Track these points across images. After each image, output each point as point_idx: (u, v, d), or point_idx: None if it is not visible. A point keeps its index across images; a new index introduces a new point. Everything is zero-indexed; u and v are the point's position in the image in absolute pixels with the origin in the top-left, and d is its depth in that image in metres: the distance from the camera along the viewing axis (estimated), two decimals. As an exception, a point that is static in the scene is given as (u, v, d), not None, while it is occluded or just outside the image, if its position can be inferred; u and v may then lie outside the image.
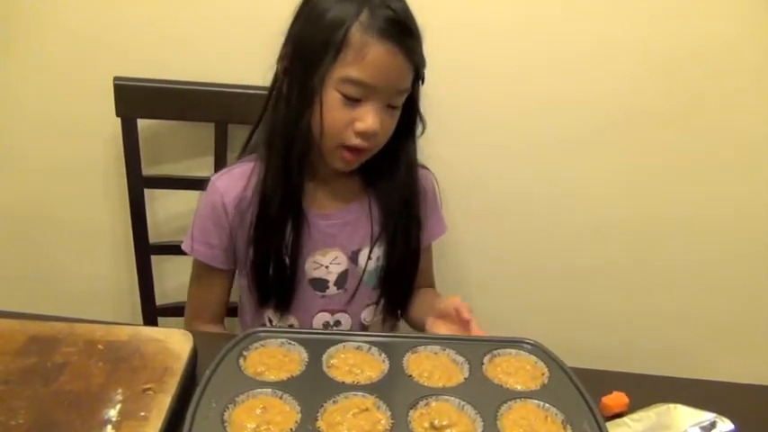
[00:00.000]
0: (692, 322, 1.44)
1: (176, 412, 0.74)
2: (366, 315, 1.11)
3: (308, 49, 0.93)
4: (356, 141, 0.95)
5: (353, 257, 1.07)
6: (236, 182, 1.04)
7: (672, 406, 0.84)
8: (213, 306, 1.10)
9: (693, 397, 0.85)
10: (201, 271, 1.09)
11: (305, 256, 1.04)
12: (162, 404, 0.73)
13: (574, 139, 1.32)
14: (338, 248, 1.06)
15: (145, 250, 1.33)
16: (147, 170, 1.31)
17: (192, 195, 1.33)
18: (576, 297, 1.40)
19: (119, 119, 1.25)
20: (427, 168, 1.14)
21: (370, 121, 0.93)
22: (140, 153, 1.28)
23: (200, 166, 1.34)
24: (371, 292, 1.09)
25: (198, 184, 1.31)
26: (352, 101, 0.93)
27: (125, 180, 1.29)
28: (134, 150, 1.27)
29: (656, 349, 1.39)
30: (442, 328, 0.96)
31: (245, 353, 0.85)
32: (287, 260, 1.02)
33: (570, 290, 1.41)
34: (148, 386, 0.76)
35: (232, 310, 1.34)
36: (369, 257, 1.06)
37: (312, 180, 1.05)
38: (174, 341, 0.83)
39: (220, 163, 1.29)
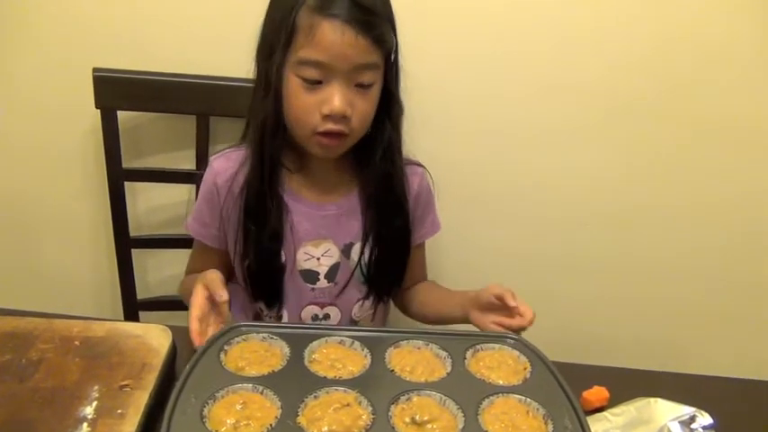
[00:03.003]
0: (675, 315, 1.44)
1: (154, 409, 0.73)
2: (357, 311, 1.10)
3: (267, 39, 0.95)
4: (328, 126, 0.93)
5: (346, 251, 1.06)
6: (231, 164, 1.03)
7: (652, 400, 0.84)
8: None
9: (673, 391, 0.85)
10: (197, 247, 1.10)
11: (295, 247, 1.03)
12: (139, 401, 0.72)
13: (562, 130, 1.31)
14: (330, 240, 1.05)
15: (125, 244, 1.31)
16: (128, 163, 1.29)
17: (173, 189, 1.33)
18: (559, 289, 1.39)
19: (98, 111, 1.23)
20: (422, 165, 1.13)
21: (335, 102, 0.91)
22: (120, 145, 1.26)
23: (182, 160, 1.33)
24: (362, 287, 1.08)
25: (179, 177, 1.30)
26: (313, 83, 0.92)
27: (105, 173, 1.27)
28: (114, 143, 1.25)
29: (639, 341, 1.39)
30: (488, 320, 0.97)
31: (226, 347, 0.83)
32: (272, 249, 1.02)
33: (554, 282, 1.40)
34: (126, 383, 0.75)
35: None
36: (362, 252, 1.05)
37: (303, 171, 1.04)
38: (153, 336, 0.82)
39: (202, 156, 1.27)
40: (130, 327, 0.84)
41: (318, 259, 1.05)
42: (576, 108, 1.29)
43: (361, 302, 1.10)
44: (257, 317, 1.09)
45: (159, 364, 0.78)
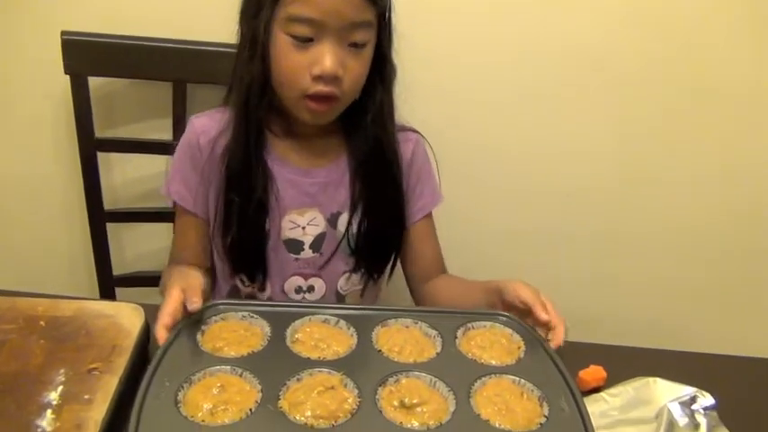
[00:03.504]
0: (674, 292, 1.41)
1: (125, 394, 0.68)
2: (343, 283, 1.06)
3: None
4: (318, 88, 0.88)
5: (332, 220, 1.02)
6: (214, 124, 0.98)
7: (651, 380, 0.81)
8: (188, 254, 1.03)
9: (673, 370, 0.82)
10: (178, 214, 1.04)
11: (280, 215, 0.99)
12: (108, 385, 0.67)
13: (555, 97, 1.27)
14: (316, 208, 1.01)
15: (99, 218, 1.25)
16: (101, 133, 1.22)
17: (149, 160, 1.27)
18: (553, 266, 1.36)
19: (68, 77, 1.16)
20: (417, 132, 1.07)
21: (327, 62, 0.86)
22: (92, 114, 1.19)
23: (158, 129, 1.26)
24: (348, 259, 1.04)
25: (156, 147, 1.24)
26: (303, 41, 0.86)
27: (76, 143, 1.20)
28: (85, 111, 1.18)
29: (636, 320, 1.37)
30: None
31: (203, 327, 0.79)
32: (256, 220, 0.97)
33: (546, 258, 1.37)
34: (94, 366, 0.70)
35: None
36: (349, 223, 1.01)
37: (290, 136, 1.00)
38: (124, 316, 0.77)
39: (179, 126, 1.21)
40: (100, 306, 0.79)
41: (303, 228, 1.01)
42: (565, 74, 1.25)
43: (347, 275, 1.06)
44: (235, 290, 1.04)
45: (131, 346, 0.73)
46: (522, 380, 0.76)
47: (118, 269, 1.32)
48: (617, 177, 1.33)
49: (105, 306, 0.79)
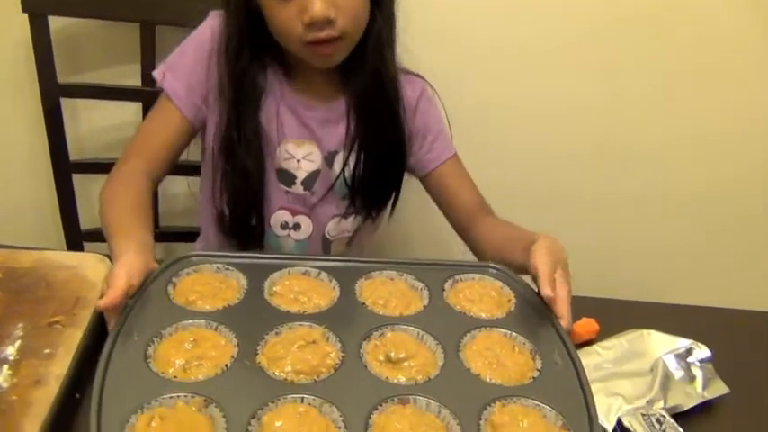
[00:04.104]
0: (667, 247, 1.40)
1: (89, 349, 0.63)
2: (331, 228, 1.02)
3: None
4: (313, 35, 0.83)
5: (329, 159, 0.99)
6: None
7: (645, 332, 0.79)
8: (157, 148, 0.95)
9: (667, 323, 0.80)
10: (162, 104, 0.96)
11: (277, 140, 0.96)
12: (71, 339, 0.62)
13: (548, 52, 1.23)
14: (314, 143, 0.97)
15: (64, 168, 1.18)
16: (64, 78, 1.15)
17: (118, 107, 1.20)
18: (546, 220, 1.32)
19: (26, 16, 1.08)
20: (422, 78, 1.03)
21: (314, 7, 0.80)
22: (54, 57, 1.12)
23: (126, 75, 1.20)
24: (340, 203, 1.01)
25: (124, 94, 1.18)
26: None
27: (38, 89, 1.13)
28: (46, 54, 1.11)
29: (627, 277, 1.34)
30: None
31: (174, 279, 0.74)
32: (252, 137, 0.93)
33: (539, 213, 1.32)
34: (56, 319, 0.65)
35: (188, 235, 1.24)
36: (346, 162, 0.97)
37: (292, 72, 0.96)
38: (88, 267, 0.72)
39: (148, 71, 1.13)
40: (62, 256, 0.74)
41: (299, 161, 0.97)
42: (564, 31, 1.22)
43: (337, 220, 1.02)
44: (221, 217, 0.99)
45: (95, 299, 0.67)
46: (514, 333, 0.72)
47: (86, 223, 1.26)
48: (616, 136, 1.31)
49: (67, 257, 0.74)
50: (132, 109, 1.21)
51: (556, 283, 0.73)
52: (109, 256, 0.76)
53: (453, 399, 0.63)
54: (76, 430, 0.61)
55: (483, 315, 0.75)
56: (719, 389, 0.76)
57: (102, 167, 1.22)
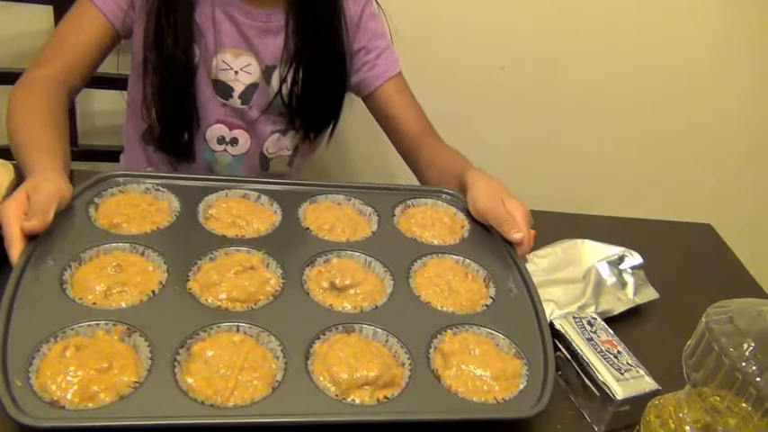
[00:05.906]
0: (600, 161, 1.41)
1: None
2: (270, 145, 0.97)
3: None
4: None
5: (267, 74, 0.93)
6: None
7: (579, 241, 0.78)
8: (75, 55, 0.86)
9: (599, 232, 0.80)
10: (81, 6, 0.87)
11: (215, 49, 0.89)
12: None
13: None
14: (252, 55, 0.91)
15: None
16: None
17: (25, 10, 1.08)
18: (481, 133, 1.31)
19: None
20: None
21: None
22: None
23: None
24: (277, 119, 0.95)
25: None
26: None
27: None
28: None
29: (565, 188, 1.35)
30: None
31: (96, 200, 0.68)
32: (185, 38, 0.85)
33: (477, 127, 1.31)
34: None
35: (109, 154, 1.15)
36: (284, 79, 0.91)
37: None
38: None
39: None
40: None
41: (236, 73, 0.91)
42: None
43: (276, 137, 0.96)
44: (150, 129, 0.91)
45: None
46: (467, 260, 0.69)
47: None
48: (547, 47, 1.28)
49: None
50: (42, 11, 1.08)
51: (517, 220, 0.70)
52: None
53: (402, 327, 0.60)
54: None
55: (435, 241, 0.71)
56: (649, 294, 0.77)
57: (10, 78, 1.11)
